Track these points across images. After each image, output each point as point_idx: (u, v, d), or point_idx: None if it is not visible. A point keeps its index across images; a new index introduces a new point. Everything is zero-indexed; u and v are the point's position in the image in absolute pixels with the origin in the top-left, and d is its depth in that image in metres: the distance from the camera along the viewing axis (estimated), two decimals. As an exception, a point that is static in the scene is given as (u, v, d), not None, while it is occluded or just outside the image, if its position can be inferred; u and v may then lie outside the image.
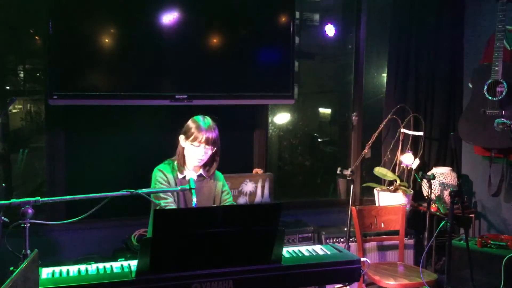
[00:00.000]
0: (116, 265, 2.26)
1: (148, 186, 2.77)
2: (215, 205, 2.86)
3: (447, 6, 4.47)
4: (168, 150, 2.89)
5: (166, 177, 2.77)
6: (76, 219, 2.21)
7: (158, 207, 2.63)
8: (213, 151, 2.78)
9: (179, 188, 2.55)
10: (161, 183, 2.75)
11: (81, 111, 3.65)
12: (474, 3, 4.45)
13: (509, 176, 4.07)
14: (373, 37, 4.60)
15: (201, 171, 2.83)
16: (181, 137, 2.80)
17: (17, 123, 3.86)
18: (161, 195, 2.70)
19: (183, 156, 2.80)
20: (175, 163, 2.82)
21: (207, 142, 2.72)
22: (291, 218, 4.18)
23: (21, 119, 3.87)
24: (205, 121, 2.78)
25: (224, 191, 2.94)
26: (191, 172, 2.67)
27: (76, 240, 3.65)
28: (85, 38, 3.37)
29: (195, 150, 2.73)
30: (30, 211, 2.03)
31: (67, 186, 3.69)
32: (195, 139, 2.72)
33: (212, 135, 2.73)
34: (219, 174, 2.96)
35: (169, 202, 2.71)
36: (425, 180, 4.03)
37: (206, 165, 2.85)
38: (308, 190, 4.77)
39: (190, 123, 2.79)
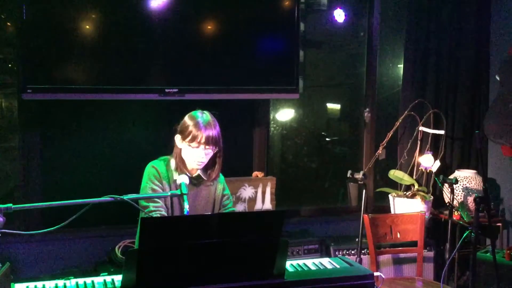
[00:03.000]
0: (98, 281, 2.26)
1: (135, 191, 2.76)
2: (210, 213, 2.85)
3: (471, -12, 4.47)
4: (157, 151, 2.88)
5: (159, 176, 2.74)
6: (53, 228, 2.21)
7: (146, 210, 2.63)
8: (215, 151, 2.76)
9: (169, 193, 2.54)
10: (153, 182, 2.73)
11: (59, 107, 3.64)
12: (502, -15, 4.46)
13: (542, 180, 4.07)
14: (388, 23, 4.60)
15: (199, 171, 2.81)
16: (177, 137, 2.76)
17: (-14, 120, 3.86)
18: (152, 208, 2.67)
19: (181, 158, 2.76)
20: (171, 161, 2.80)
21: (208, 141, 2.68)
22: (296, 228, 4.18)
23: (-10, 116, 3.87)
24: (204, 117, 2.73)
25: (225, 195, 2.93)
26: (182, 176, 2.66)
27: (54, 252, 3.65)
28: (63, 25, 3.36)
29: (194, 152, 2.70)
30: (1, 219, 2.03)
31: (43, 191, 3.69)
32: (193, 139, 2.68)
33: (212, 133, 2.69)
34: (219, 175, 2.95)
35: (158, 207, 2.70)
36: (446, 185, 4.03)
37: (207, 169, 2.83)
38: (314, 196, 4.76)
39: (186, 120, 2.74)
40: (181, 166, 2.76)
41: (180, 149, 2.76)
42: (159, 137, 3.16)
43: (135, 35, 3.52)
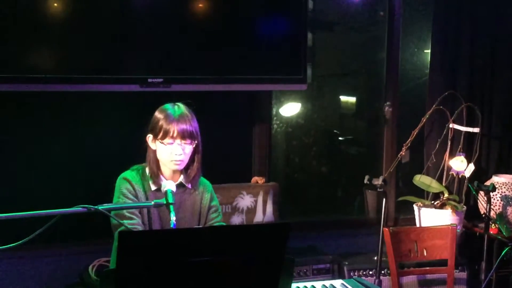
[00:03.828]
0: (68, 307, 2.27)
1: (111, 200, 2.77)
2: (201, 226, 2.86)
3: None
4: (138, 153, 2.89)
5: (133, 189, 2.76)
6: (14, 244, 2.20)
7: (120, 229, 2.63)
8: (193, 145, 2.78)
9: (152, 203, 2.54)
10: (127, 197, 2.74)
11: (19, 101, 3.64)
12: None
13: None
14: (412, 0, 4.60)
15: (181, 178, 2.83)
16: (149, 137, 2.79)
17: None
18: (126, 213, 2.69)
19: (156, 162, 2.79)
20: (147, 170, 2.82)
21: (183, 135, 2.71)
22: (303, 243, 4.19)
23: None
24: (176, 108, 2.78)
25: (212, 207, 2.94)
26: (168, 182, 2.67)
27: (15, 273, 3.65)
28: (24, 1, 3.35)
29: (169, 150, 2.73)
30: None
31: (0, 200, 3.68)
32: (166, 134, 2.71)
33: (187, 125, 2.73)
34: (206, 182, 2.96)
35: (135, 224, 2.71)
36: (482, 193, 4.02)
37: (187, 169, 2.86)
38: (325, 205, 4.77)
39: (156, 114, 2.79)
40: (156, 171, 2.78)
41: (154, 151, 2.79)
42: (139, 137, 3.15)
43: (111, 14, 3.52)
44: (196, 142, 2.78)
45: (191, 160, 2.84)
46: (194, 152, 2.82)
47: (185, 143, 2.74)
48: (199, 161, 2.86)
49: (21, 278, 3.65)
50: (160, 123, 2.73)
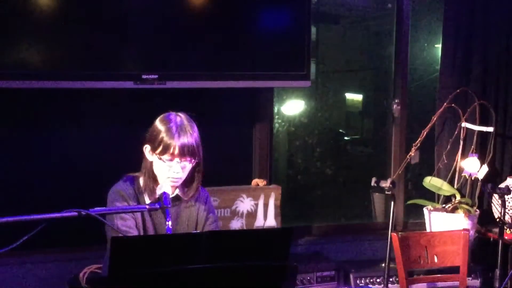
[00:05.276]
0: (57, 317, 2.27)
1: (104, 203, 2.77)
2: (197, 231, 2.86)
3: None
4: (131, 155, 2.89)
5: (127, 201, 2.76)
6: (0, 251, 2.21)
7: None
8: (194, 164, 2.77)
9: (146, 207, 2.54)
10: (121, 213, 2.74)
11: (5, 98, 3.64)
12: None
13: None
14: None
15: (177, 191, 2.83)
16: (146, 148, 2.77)
17: None
18: (121, 226, 2.69)
19: (153, 174, 2.78)
20: (141, 181, 2.82)
21: (183, 152, 2.69)
22: (307, 249, 4.20)
23: None
24: (178, 121, 2.75)
25: (209, 218, 2.94)
26: (165, 185, 2.67)
27: (0, 281, 3.64)
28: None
29: (167, 167, 2.72)
30: None
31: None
32: (165, 150, 2.69)
33: (188, 140, 2.70)
34: (202, 191, 2.96)
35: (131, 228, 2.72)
36: (496, 196, 4.02)
37: (185, 186, 2.85)
38: (330, 209, 4.77)
39: (157, 125, 2.76)
40: (152, 185, 2.78)
41: (151, 162, 2.77)
42: (132, 138, 3.14)
43: (103, 6, 3.51)
44: (196, 160, 2.76)
45: (191, 177, 2.82)
46: (194, 170, 2.80)
47: (184, 161, 2.72)
48: (199, 180, 2.85)
49: (7, 286, 3.65)
50: (161, 136, 2.70)
